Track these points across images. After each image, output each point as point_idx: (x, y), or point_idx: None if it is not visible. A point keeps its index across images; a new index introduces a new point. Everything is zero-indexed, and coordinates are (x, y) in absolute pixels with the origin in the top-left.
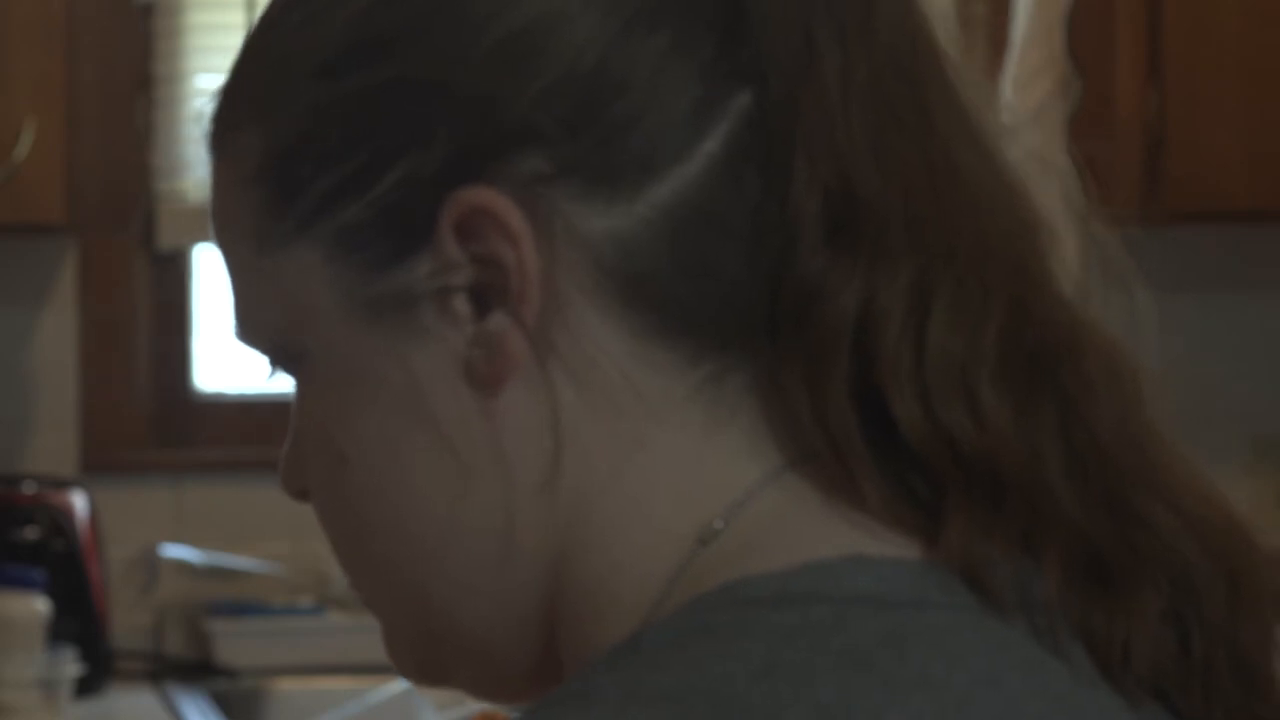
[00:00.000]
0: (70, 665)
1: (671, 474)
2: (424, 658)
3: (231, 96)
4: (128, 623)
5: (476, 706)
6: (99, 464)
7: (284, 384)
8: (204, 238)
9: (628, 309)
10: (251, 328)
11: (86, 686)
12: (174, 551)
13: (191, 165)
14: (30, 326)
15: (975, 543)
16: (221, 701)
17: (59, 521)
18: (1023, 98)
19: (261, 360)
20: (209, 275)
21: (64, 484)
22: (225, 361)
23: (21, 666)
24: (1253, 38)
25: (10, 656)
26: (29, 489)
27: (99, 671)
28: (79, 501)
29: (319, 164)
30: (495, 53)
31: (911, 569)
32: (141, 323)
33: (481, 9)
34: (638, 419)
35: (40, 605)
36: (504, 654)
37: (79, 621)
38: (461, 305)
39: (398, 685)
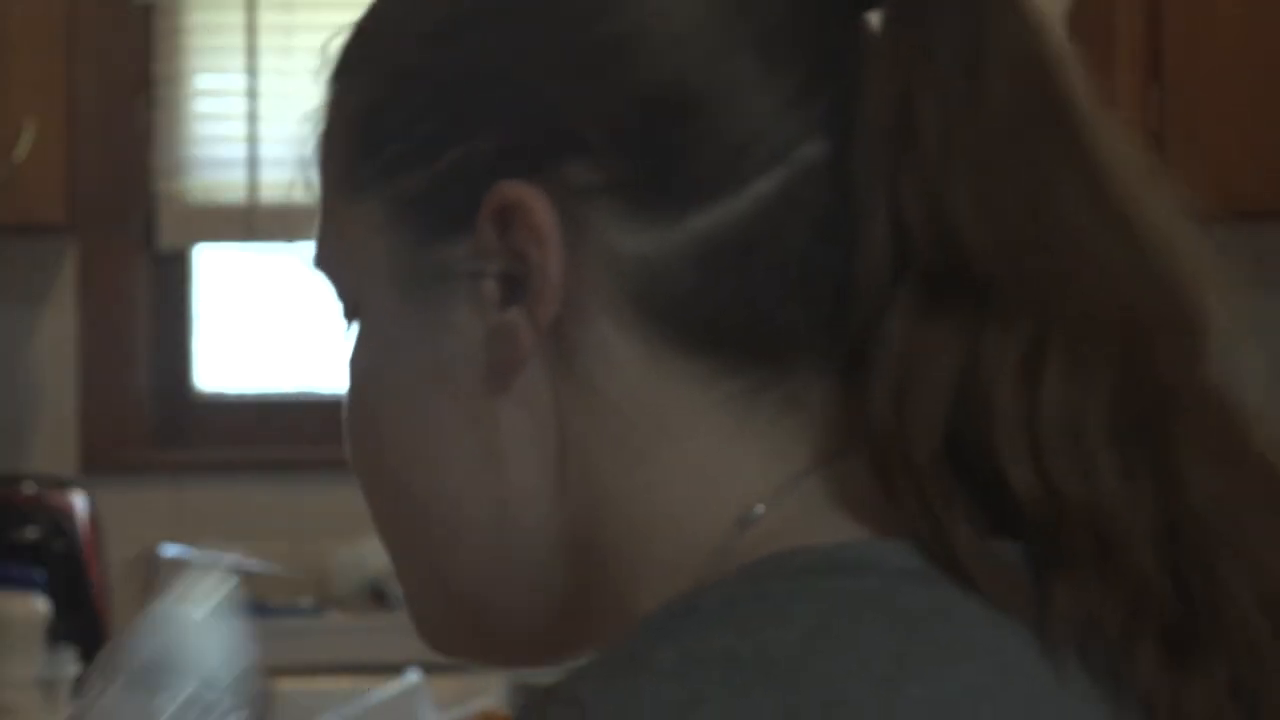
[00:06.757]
0: (70, 665)
1: (699, 471)
2: (442, 623)
3: (347, 42)
4: (128, 623)
5: (477, 706)
6: (99, 464)
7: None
8: (204, 237)
9: (648, 327)
10: (324, 263)
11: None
12: (174, 551)
13: (191, 165)
14: (30, 326)
15: (1083, 604)
16: None
17: (59, 521)
18: None
19: (330, 301)
20: (209, 275)
21: (64, 484)
22: (225, 361)
23: (21, 666)
24: (1253, 38)
25: (10, 656)
26: (29, 489)
27: None
28: (79, 502)
29: (395, 127)
30: (573, 57)
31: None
32: (141, 323)
33: (573, 10)
34: (650, 427)
35: (40, 605)
36: (520, 621)
37: (79, 621)
38: (491, 292)
39: (398, 685)
